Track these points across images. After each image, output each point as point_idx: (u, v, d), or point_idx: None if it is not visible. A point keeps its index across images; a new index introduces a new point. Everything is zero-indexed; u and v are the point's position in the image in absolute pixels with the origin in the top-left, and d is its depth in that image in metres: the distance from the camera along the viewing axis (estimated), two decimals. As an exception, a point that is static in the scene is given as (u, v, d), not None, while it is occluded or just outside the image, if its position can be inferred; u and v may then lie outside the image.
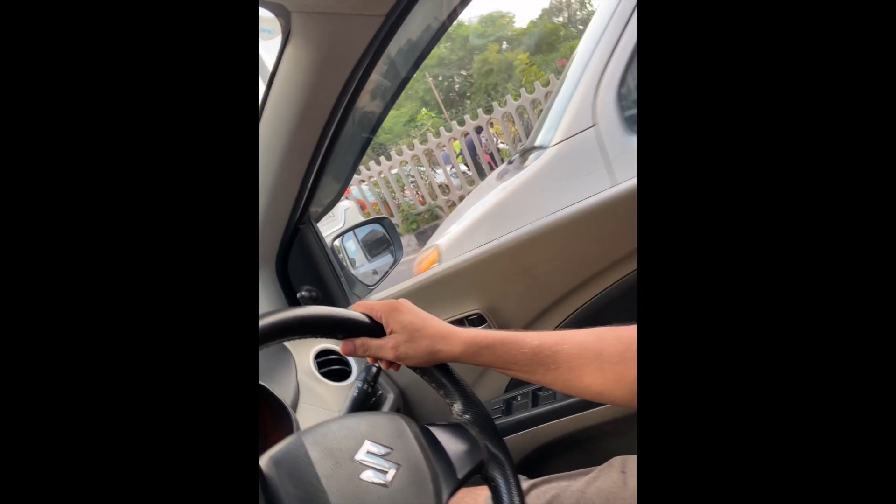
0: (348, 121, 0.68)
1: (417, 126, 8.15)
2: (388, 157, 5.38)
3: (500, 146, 5.69)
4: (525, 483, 0.63)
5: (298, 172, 0.69)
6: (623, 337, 0.41)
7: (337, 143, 0.70)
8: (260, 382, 0.62)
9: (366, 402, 0.69)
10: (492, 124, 5.26)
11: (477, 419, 0.45)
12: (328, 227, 3.09)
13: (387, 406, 0.78)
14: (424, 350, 0.45)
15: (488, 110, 5.08)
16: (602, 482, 0.58)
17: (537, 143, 1.74)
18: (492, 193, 1.70)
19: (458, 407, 0.46)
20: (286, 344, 0.76)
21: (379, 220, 1.08)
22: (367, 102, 0.69)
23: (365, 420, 0.41)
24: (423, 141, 5.43)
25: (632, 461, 0.59)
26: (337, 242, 0.95)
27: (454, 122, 5.24)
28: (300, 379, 0.72)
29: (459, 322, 0.79)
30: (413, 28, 0.60)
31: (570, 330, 0.43)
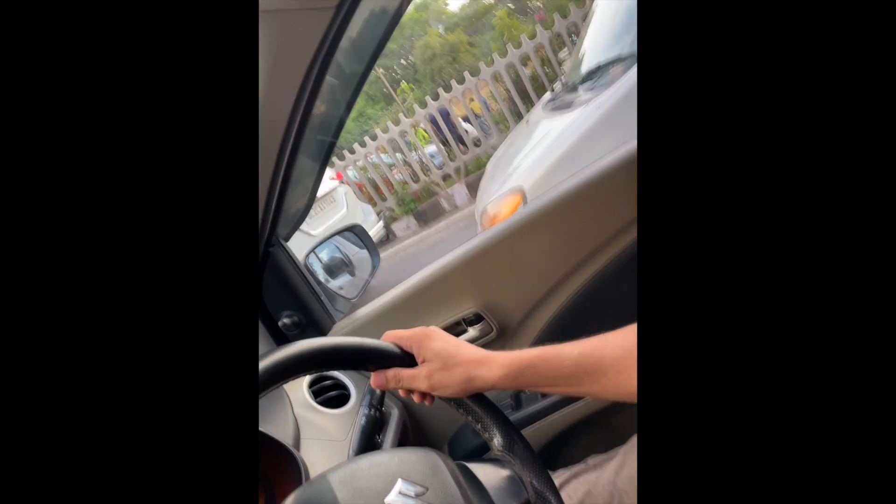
0: (307, 127, 0.62)
1: (400, 99, 7.62)
2: (374, 137, 4.97)
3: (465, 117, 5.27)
4: (555, 481, 0.61)
5: (261, 192, 0.62)
6: None
7: (298, 153, 0.64)
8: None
9: (375, 427, 0.64)
10: (449, 101, 4.93)
11: (519, 453, 0.42)
12: (330, 215, 2.87)
13: (392, 422, 0.74)
14: (460, 378, 0.42)
15: (460, 81, 4.67)
16: (629, 468, 0.57)
17: (626, 53, 1.65)
18: (579, 117, 1.58)
19: (497, 441, 0.43)
20: None
21: (350, 229, 1.03)
22: (326, 104, 0.63)
23: (396, 457, 0.38)
24: (410, 114, 5.02)
25: None
26: (310, 259, 0.89)
27: (440, 89, 4.80)
28: (297, 413, 0.66)
29: (457, 324, 0.75)
30: (366, 17, 0.55)
31: (607, 333, 0.40)
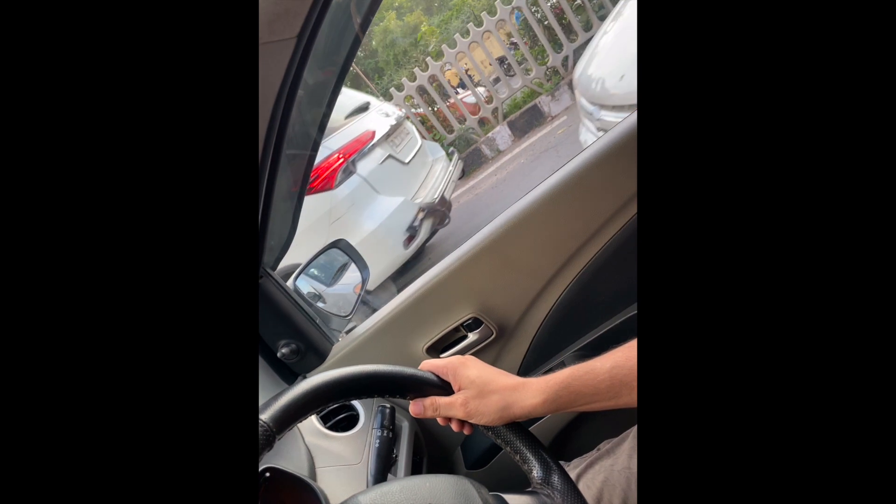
0: (282, 153, 0.60)
1: (420, 47, 6.83)
2: (400, 88, 4.57)
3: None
4: (571, 472, 0.62)
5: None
6: None
7: (276, 181, 0.62)
8: (269, 465, 0.56)
9: (389, 445, 0.65)
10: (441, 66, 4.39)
11: (558, 486, 0.42)
12: (411, 147, 2.69)
13: (404, 435, 0.75)
14: (496, 405, 0.43)
15: (465, 33, 4.27)
16: None
17: None
18: None
19: (537, 473, 0.43)
20: None
21: (334, 244, 1.01)
22: (299, 126, 0.61)
23: (428, 483, 0.39)
24: (438, 56, 4.50)
25: None
26: (299, 283, 0.87)
27: (470, 24, 4.33)
28: (309, 443, 0.66)
29: (455, 330, 0.75)
30: (331, 38, 0.53)
31: (633, 340, 0.40)
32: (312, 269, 0.95)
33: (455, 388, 0.45)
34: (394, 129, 2.60)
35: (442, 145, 4.27)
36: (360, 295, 0.93)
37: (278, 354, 0.74)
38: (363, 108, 2.61)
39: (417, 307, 0.74)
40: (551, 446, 0.78)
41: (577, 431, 0.79)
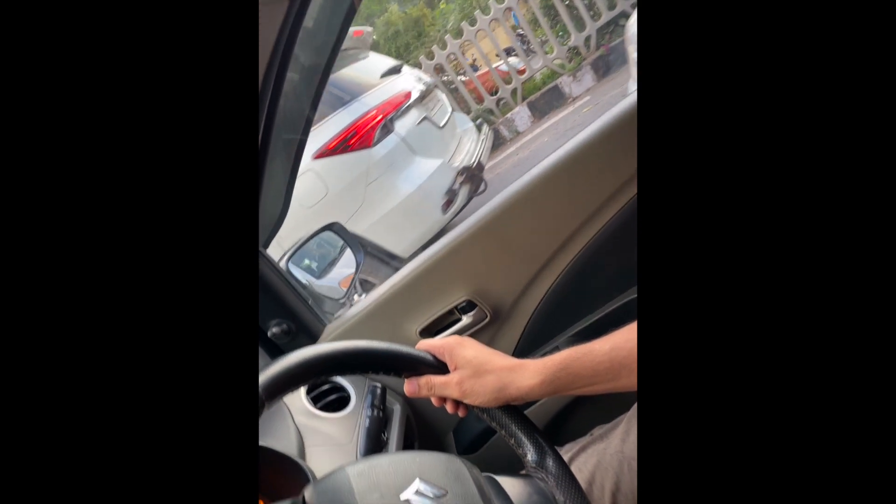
0: (274, 129, 0.59)
1: (437, 27, 6.37)
2: (418, 65, 4.25)
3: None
4: (564, 456, 0.62)
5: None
6: None
7: (267, 156, 0.61)
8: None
9: (380, 426, 0.64)
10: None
11: (552, 470, 0.41)
12: (442, 114, 2.60)
13: (396, 417, 0.74)
14: (492, 386, 0.42)
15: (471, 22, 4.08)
16: (635, 434, 0.58)
17: None
18: None
19: (531, 457, 0.42)
20: None
21: (329, 227, 1.00)
22: (291, 101, 0.60)
23: (418, 458, 0.38)
24: (457, 35, 4.32)
25: None
26: (291, 265, 0.86)
27: (477, 13, 4.12)
28: (298, 422, 0.65)
29: (449, 313, 0.74)
30: (326, 3, 0.52)
31: (634, 322, 0.39)
32: (304, 260, 0.93)
33: (451, 368, 0.45)
34: (427, 93, 2.55)
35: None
36: (348, 290, 0.91)
37: (269, 334, 0.72)
38: (396, 70, 2.56)
39: (411, 289, 0.73)
40: (545, 431, 0.77)
41: (570, 417, 0.78)
